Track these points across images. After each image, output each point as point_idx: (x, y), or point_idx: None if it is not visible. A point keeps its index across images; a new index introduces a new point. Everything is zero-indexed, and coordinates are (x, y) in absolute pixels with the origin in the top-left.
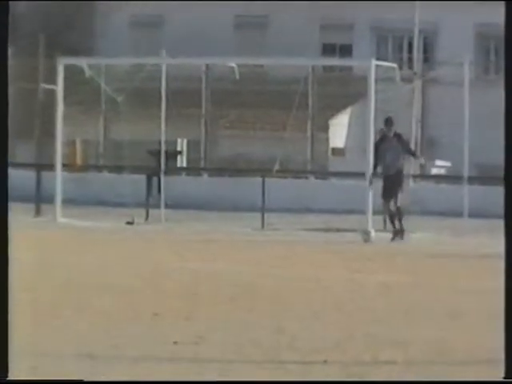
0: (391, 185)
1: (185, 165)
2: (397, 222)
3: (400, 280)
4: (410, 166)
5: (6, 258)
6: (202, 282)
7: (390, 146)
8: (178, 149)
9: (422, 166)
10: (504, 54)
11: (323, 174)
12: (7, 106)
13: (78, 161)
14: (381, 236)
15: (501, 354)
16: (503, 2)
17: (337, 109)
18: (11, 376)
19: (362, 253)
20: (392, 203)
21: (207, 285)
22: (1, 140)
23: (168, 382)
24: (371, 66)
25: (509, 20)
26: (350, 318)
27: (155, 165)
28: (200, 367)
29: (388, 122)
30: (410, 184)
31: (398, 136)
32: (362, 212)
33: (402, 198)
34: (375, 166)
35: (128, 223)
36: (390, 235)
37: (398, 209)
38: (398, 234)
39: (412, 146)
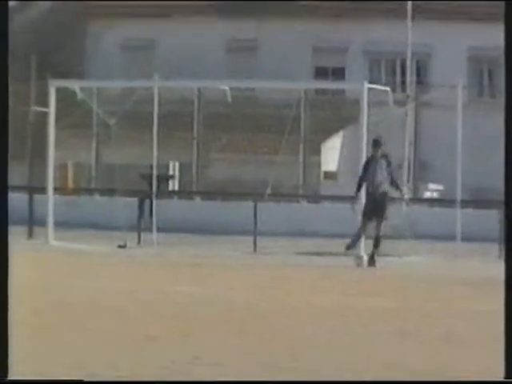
0: (374, 206)
1: (177, 188)
2: (374, 249)
3: (393, 304)
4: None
5: (6, 260)
6: (194, 306)
7: (377, 167)
8: (170, 172)
9: (402, 195)
10: (504, 55)
11: (315, 197)
12: (7, 130)
13: (70, 184)
14: (375, 260)
15: (497, 377)
16: (496, 26)
17: (329, 132)
18: (11, 376)
19: (355, 277)
20: (368, 224)
21: (200, 308)
22: (1, 163)
23: (168, 382)
24: (364, 90)
25: (509, 20)
26: (344, 342)
27: (147, 188)
28: None
29: (375, 143)
30: (403, 207)
31: (386, 159)
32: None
33: (385, 226)
34: (359, 187)
35: (120, 247)
36: (380, 258)
37: (378, 237)
38: (373, 260)
39: (405, 170)
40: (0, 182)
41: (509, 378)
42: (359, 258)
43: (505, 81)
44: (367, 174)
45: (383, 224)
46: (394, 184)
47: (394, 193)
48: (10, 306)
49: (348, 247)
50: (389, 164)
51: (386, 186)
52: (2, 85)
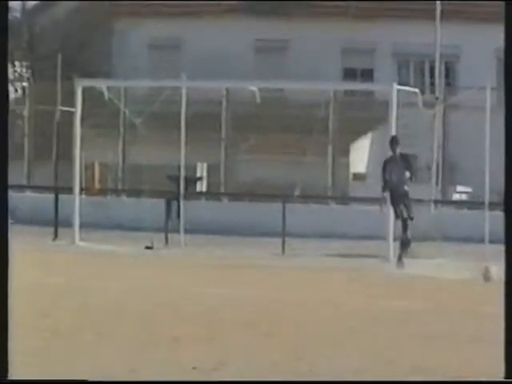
0: (400, 196)
1: (205, 189)
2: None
3: (420, 306)
4: (432, 192)
5: (6, 259)
6: (222, 308)
7: (396, 166)
8: (198, 174)
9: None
10: (504, 55)
11: (344, 199)
12: (7, 127)
13: (97, 184)
14: (399, 262)
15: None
16: None
17: (358, 133)
18: (11, 376)
19: (383, 279)
20: (403, 210)
21: (227, 310)
22: (1, 161)
23: (168, 382)
24: (393, 91)
25: (509, 20)
26: (370, 344)
27: (175, 189)
28: None
29: (393, 141)
30: (431, 210)
31: (402, 156)
32: (383, 238)
33: (412, 227)
34: (384, 187)
35: (147, 248)
36: (408, 260)
37: (404, 238)
38: (401, 261)
39: (434, 172)
40: (0, 181)
41: (509, 378)
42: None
43: (504, 80)
44: (386, 173)
45: (409, 224)
46: (410, 173)
47: (421, 194)
48: (10, 306)
49: (400, 257)
50: (408, 163)
51: (405, 186)
52: (1, 84)
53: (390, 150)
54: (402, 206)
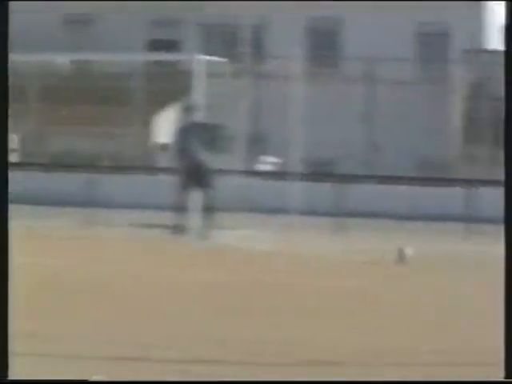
0: (194, 176)
1: (14, 161)
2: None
3: (220, 278)
4: (236, 162)
5: (6, 258)
6: (25, 278)
7: (192, 134)
8: (11, 146)
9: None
10: (504, 56)
11: (150, 169)
12: (7, 107)
13: None
14: (201, 233)
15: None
16: None
17: (163, 104)
18: (11, 376)
19: (187, 250)
20: (186, 195)
21: (30, 280)
22: (1, 142)
23: (172, 382)
24: (197, 61)
25: (509, 20)
26: (174, 317)
27: None
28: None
29: (188, 109)
30: (234, 180)
31: (202, 125)
32: (189, 208)
33: (213, 197)
34: (178, 156)
35: None
36: (213, 231)
37: (208, 209)
38: (180, 228)
39: (239, 142)
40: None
41: (509, 378)
42: (185, 229)
43: (504, 80)
44: (181, 142)
45: (210, 194)
46: (212, 148)
47: (225, 164)
48: (11, 306)
49: (177, 230)
50: (209, 132)
51: (202, 154)
52: (2, 84)
53: (186, 118)
54: (198, 176)
